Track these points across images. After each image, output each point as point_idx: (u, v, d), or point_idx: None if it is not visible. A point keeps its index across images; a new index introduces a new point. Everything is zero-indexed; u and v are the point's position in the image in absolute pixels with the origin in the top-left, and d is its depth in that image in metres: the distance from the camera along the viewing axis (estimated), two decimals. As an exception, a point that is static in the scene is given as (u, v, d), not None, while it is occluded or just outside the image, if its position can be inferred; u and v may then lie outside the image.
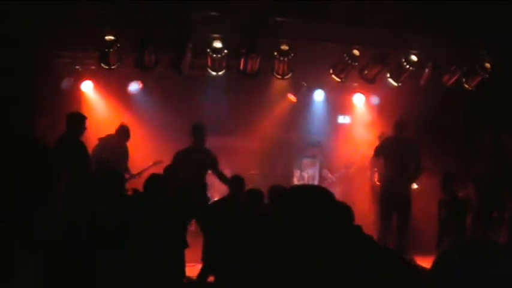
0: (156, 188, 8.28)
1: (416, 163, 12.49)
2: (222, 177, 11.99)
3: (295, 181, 14.26)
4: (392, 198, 12.25)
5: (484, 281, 2.28)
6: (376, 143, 13.47)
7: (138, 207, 7.99)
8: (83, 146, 11.19)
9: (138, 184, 9.87)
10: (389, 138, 12.81)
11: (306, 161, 14.60)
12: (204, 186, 11.80)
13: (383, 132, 13.63)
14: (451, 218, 11.02)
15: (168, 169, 10.53)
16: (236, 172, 14.20)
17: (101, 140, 12.41)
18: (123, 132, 12.73)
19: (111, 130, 12.73)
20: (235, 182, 10.66)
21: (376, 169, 13.62)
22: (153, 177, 8.60)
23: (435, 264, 2.45)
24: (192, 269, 10.93)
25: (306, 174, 14.28)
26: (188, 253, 10.18)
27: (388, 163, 12.58)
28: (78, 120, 11.18)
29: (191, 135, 11.78)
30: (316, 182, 13.96)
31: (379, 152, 12.81)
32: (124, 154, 12.64)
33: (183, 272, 10.31)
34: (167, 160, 11.84)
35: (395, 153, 12.45)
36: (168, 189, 8.64)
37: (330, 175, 14.71)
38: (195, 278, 10.50)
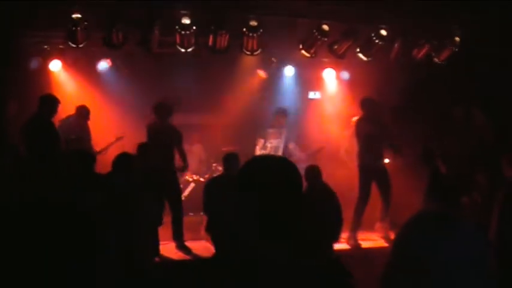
0: (126, 167, 8.23)
1: (390, 140, 12.61)
2: (182, 154, 11.98)
3: (258, 150, 13.92)
4: (370, 170, 12.39)
5: (442, 250, 2.30)
6: (349, 121, 13.54)
7: (110, 188, 7.94)
8: (53, 127, 11.18)
9: (103, 162, 9.82)
10: (361, 118, 12.82)
11: (271, 130, 14.11)
12: (170, 160, 11.77)
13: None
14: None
15: (141, 146, 10.50)
16: (208, 149, 14.21)
17: (61, 121, 12.32)
18: (82, 114, 12.71)
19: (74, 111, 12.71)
20: (229, 159, 10.65)
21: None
22: (122, 157, 8.53)
23: (398, 235, 2.47)
24: (166, 247, 10.96)
25: (269, 144, 13.92)
26: (161, 231, 10.18)
27: (364, 142, 12.63)
28: (51, 103, 11.19)
29: (155, 113, 11.75)
30: (279, 154, 13.67)
31: (357, 134, 12.85)
32: (85, 134, 12.56)
33: (157, 250, 10.33)
34: (129, 135, 11.84)
35: (369, 132, 12.50)
36: (139, 167, 8.60)
37: (297, 152, 14.35)
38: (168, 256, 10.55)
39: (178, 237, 11.41)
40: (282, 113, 13.94)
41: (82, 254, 5.70)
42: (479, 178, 11.05)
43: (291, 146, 14.16)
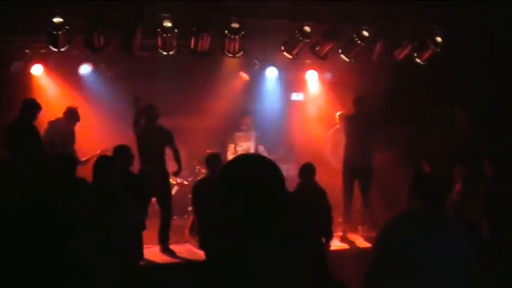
0: (106, 170, 8.16)
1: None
2: (177, 154, 12.05)
3: (229, 155, 13.80)
4: (355, 168, 12.53)
5: (427, 250, 2.30)
6: (333, 120, 13.60)
7: (93, 193, 7.90)
8: (36, 131, 11.15)
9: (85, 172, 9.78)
10: (351, 116, 12.88)
11: (239, 134, 14.19)
12: (161, 163, 11.78)
13: (342, 113, 13.66)
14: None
15: (118, 148, 10.44)
16: (191, 151, 14.18)
17: (50, 123, 12.31)
18: (71, 115, 12.64)
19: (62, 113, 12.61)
20: (212, 160, 10.64)
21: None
22: (101, 160, 8.46)
23: (381, 234, 2.47)
24: (150, 251, 10.93)
25: (239, 148, 13.83)
26: (146, 235, 10.16)
27: (352, 140, 12.71)
28: (33, 108, 11.19)
29: (144, 115, 11.70)
30: None
31: (344, 131, 12.94)
32: (71, 138, 12.50)
33: (141, 254, 10.29)
34: (112, 139, 11.86)
35: (358, 130, 12.58)
36: (120, 170, 8.56)
37: (266, 154, 13.93)
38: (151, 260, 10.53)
39: (164, 241, 11.39)
40: (248, 115, 14.07)
41: (64, 257, 5.68)
42: (462, 175, 11.06)
43: (260, 148, 14.19)
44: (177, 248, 11.43)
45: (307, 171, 10.68)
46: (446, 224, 2.42)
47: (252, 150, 13.98)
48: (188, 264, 10.54)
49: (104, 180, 7.98)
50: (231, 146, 13.85)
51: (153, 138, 11.56)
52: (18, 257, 5.46)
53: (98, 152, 12.51)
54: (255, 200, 2.79)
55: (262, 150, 14.16)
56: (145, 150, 11.44)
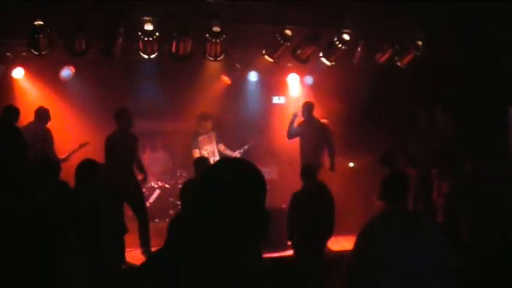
0: (91, 173, 8.13)
1: (328, 144, 13.11)
2: (139, 163, 12.11)
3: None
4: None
5: (406, 250, 2.32)
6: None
7: (77, 197, 7.87)
8: (21, 135, 11.11)
9: (65, 169, 9.74)
10: (301, 122, 13.02)
11: (201, 138, 14.19)
12: (132, 170, 11.81)
13: (296, 112, 13.71)
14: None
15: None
16: (173, 155, 14.17)
17: (23, 128, 12.11)
18: (41, 115, 12.48)
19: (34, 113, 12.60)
20: (199, 163, 10.67)
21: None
22: (87, 163, 8.40)
23: (361, 234, 2.48)
24: (131, 254, 10.93)
25: (205, 152, 13.82)
26: (127, 238, 10.15)
27: (303, 145, 12.87)
28: (14, 114, 11.22)
29: (118, 120, 11.65)
30: (216, 158, 13.73)
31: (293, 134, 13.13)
32: (48, 139, 12.45)
33: (123, 257, 10.28)
34: (93, 142, 11.81)
35: (307, 136, 12.70)
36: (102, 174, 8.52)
37: (228, 151, 14.41)
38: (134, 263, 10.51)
39: (145, 244, 11.39)
40: (205, 117, 14.13)
41: (48, 259, 5.68)
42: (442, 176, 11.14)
43: (221, 147, 14.33)
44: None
45: (306, 171, 10.74)
46: (427, 224, 2.44)
47: (216, 151, 14.19)
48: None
49: (87, 184, 7.94)
50: (196, 152, 13.82)
51: (126, 144, 11.56)
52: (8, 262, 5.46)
53: (77, 146, 12.52)
54: (236, 202, 2.81)
55: (223, 149, 14.35)
56: (117, 156, 11.33)
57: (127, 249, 10.50)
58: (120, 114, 11.59)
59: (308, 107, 13.44)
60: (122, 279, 8.59)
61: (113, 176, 10.62)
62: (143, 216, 11.53)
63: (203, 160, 10.97)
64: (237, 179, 2.85)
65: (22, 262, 5.41)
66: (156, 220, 12.95)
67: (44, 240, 5.70)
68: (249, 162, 3.03)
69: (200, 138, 14.05)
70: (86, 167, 8.07)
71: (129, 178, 11.55)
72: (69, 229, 6.37)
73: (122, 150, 11.40)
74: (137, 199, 11.64)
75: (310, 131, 13.13)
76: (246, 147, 14.53)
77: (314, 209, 10.17)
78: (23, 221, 5.83)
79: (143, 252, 11.30)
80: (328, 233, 10.44)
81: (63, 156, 12.35)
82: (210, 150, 14.01)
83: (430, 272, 2.31)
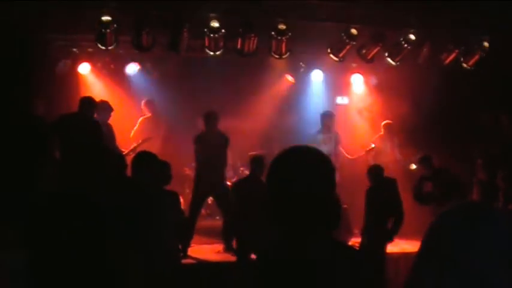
0: (147, 166, 8.10)
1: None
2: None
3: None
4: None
5: (480, 243, 2.26)
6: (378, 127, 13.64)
7: (131, 189, 7.87)
8: (99, 126, 11.11)
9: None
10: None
11: (322, 136, 13.87)
12: (223, 166, 12.12)
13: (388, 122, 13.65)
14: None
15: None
16: (235, 153, 14.21)
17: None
18: (103, 109, 12.41)
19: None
20: (256, 160, 10.73)
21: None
22: (143, 155, 8.34)
23: (432, 225, 2.43)
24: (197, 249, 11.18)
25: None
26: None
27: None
28: (93, 106, 11.46)
29: (204, 122, 12.04)
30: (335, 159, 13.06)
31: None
32: (109, 133, 12.43)
33: (185, 252, 10.44)
34: (157, 138, 11.95)
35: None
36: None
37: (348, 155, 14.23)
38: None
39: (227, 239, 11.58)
40: (329, 116, 13.96)
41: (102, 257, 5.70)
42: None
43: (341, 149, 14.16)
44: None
45: (373, 172, 10.79)
46: (495, 218, 2.38)
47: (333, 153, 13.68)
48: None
49: (143, 176, 7.94)
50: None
51: (211, 143, 11.86)
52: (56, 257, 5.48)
53: (140, 141, 12.63)
54: (304, 192, 2.77)
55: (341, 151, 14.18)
56: (204, 153, 11.75)
57: (193, 245, 10.70)
58: (209, 117, 12.04)
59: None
60: (181, 272, 8.64)
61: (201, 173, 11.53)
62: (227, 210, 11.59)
63: (257, 158, 10.95)
64: (307, 168, 2.82)
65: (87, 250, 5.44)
66: (217, 217, 13.04)
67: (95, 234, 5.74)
68: (320, 152, 2.99)
69: (321, 137, 13.84)
70: (143, 158, 8.08)
71: (218, 175, 11.91)
72: (121, 221, 6.39)
73: (212, 149, 11.79)
74: (224, 195, 11.73)
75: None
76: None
77: (385, 201, 10.31)
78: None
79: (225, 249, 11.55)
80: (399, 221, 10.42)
81: (127, 150, 12.42)
82: (325, 150, 13.74)
83: (495, 267, 2.25)
